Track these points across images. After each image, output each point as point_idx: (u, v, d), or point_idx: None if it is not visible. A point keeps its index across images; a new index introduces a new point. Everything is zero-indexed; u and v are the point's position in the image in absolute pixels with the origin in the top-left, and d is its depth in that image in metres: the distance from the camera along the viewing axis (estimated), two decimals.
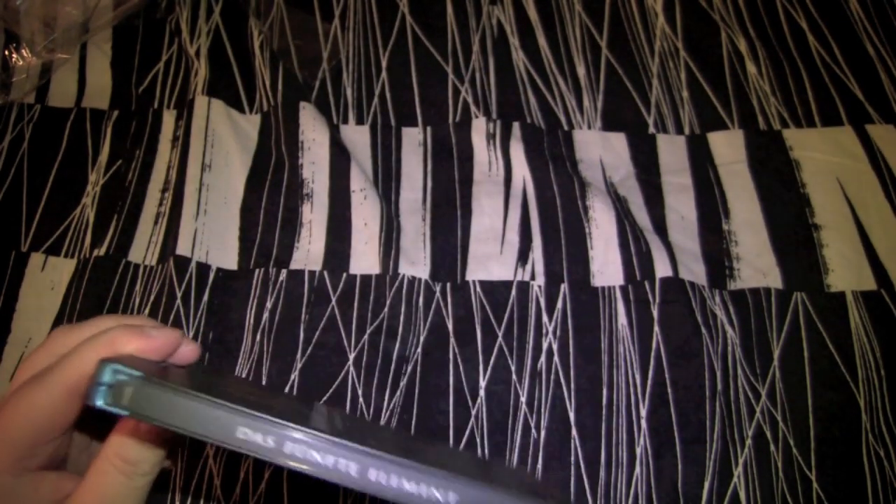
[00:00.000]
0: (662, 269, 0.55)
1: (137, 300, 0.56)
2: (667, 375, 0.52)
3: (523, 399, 0.52)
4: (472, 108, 0.65)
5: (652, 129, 0.64)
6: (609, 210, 0.59)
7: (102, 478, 0.27)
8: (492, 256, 0.58)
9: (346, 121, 0.66)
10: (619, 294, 0.55)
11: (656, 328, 0.54)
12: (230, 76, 0.67)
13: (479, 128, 0.64)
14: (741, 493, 0.48)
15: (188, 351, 0.32)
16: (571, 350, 0.53)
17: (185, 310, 0.54)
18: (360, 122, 0.66)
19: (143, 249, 0.59)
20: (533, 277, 0.56)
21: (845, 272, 0.57)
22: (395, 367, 0.53)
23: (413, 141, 0.64)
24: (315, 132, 0.62)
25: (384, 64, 0.69)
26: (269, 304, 0.56)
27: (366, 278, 0.56)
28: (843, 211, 0.59)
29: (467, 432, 0.51)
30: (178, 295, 0.55)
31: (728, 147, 0.63)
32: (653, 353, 0.53)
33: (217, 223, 0.59)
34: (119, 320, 0.31)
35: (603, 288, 0.56)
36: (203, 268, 0.56)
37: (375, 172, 0.63)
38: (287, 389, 0.52)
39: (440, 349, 0.54)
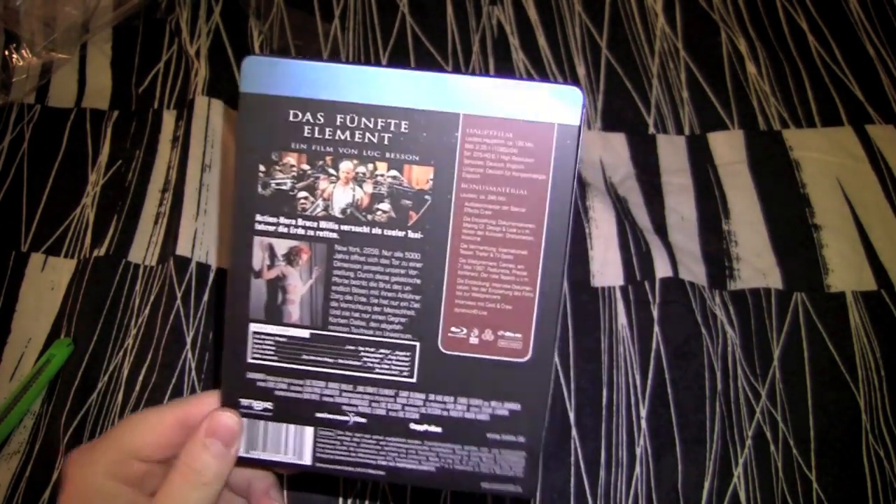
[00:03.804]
0: (662, 269, 0.55)
1: (137, 300, 0.56)
2: (667, 375, 0.52)
3: None
4: None
5: (652, 130, 0.64)
6: (609, 210, 0.59)
7: (169, 486, 0.30)
8: None
9: None
10: (619, 294, 0.55)
11: (656, 328, 0.54)
12: (230, 76, 0.67)
13: None
14: (741, 493, 0.48)
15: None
16: (571, 350, 0.53)
17: (185, 310, 0.54)
18: None
19: (143, 249, 0.59)
20: None
21: (845, 272, 0.57)
22: None
23: None
24: None
25: (384, 64, 0.69)
26: None
27: None
28: (843, 211, 0.59)
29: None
30: (178, 295, 0.55)
31: (728, 147, 0.63)
32: (653, 354, 0.53)
33: (217, 223, 0.59)
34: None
35: (603, 288, 0.56)
36: (203, 268, 0.56)
37: None
38: None
39: None
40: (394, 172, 0.29)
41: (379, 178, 0.29)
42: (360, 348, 0.31)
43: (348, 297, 0.31)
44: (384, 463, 0.32)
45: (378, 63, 0.31)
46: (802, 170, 0.62)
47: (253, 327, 0.31)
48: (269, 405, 0.32)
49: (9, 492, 0.50)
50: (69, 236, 0.61)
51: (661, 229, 0.59)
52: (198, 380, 0.52)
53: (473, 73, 0.28)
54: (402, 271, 0.30)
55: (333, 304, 0.31)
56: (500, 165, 0.29)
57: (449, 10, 0.71)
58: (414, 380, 0.31)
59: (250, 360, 0.31)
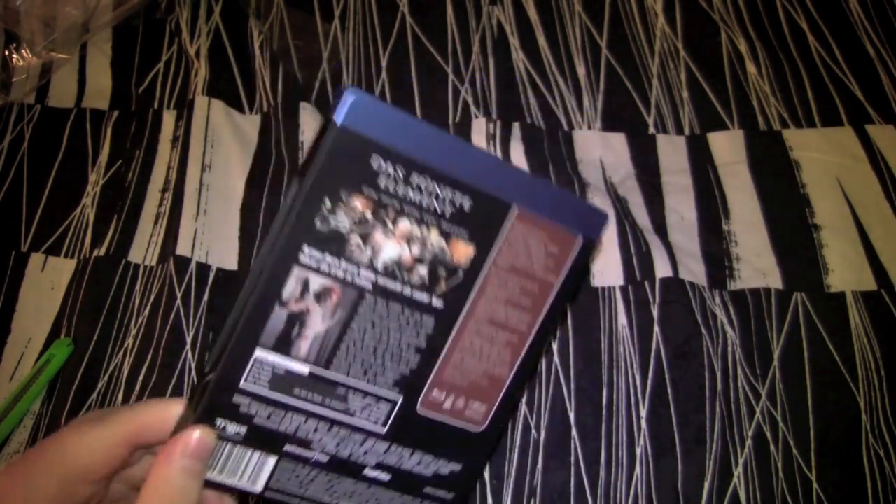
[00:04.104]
0: (662, 269, 0.55)
1: (137, 300, 0.56)
2: (667, 375, 0.52)
3: (523, 399, 0.52)
4: (472, 109, 0.65)
5: (652, 130, 0.64)
6: (609, 210, 0.59)
7: (164, 475, 0.28)
8: None
9: None
10: (619, 294, 0.55)
11: (656, 328, 0.54)
12: (230, 76, 0.67)
13: (480, 128, 0.64)
14: (741, 493, 0.48)
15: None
16: (571, 350, 0.53)
17: (185, 310, 0.54)
18: None
19: (143, 249, 0.59)
20: None
21: (845, 272, 0.57)
22: None
23: None
24: (315, 132, 0.62)
25: (384, 64, 0.69)
26: None
27: None
28: (843, 211, 0.59)
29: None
30: (178, 295, 0.55)
31: (728, 147, 0.63)
32: (653, 354, 0.53)
33: (217, 223, 0.59)
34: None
35: (603, 288, 0.56)
36: (203, 268, 0.56)
37: None
38: None
39: None
40: (442, 242, 0.30)
41: (427, 244, 0.30)
42: (350, 394, 0.32)
43: (358, 345, 0.31)
44: (328, 501, 0.33)
45: (459, 136, 0.32)
46: (802, 170, 0.62)
47: (258, 353, 0.30)
48: (242, 430, 0.31)
49: None
50: (69, 236, 0.61)
51: (661, 229, 0.59)
52: (198, 380, 0.52)
53: (531, 173, 0.31)
54: (414, 333, 0.31)
55: (342, 347, 0.31)
56: (527, 259, 0.32)
57: (449, 10, 0.71)
58: (385, 430, 0.33)
59: (242, 385, 0.30)
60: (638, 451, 0.50)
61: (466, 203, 0.30)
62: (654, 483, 0.49)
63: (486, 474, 0.50)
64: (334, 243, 0.29)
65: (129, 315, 0.56)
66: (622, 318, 0.54)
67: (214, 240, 0.58)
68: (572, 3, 0.72)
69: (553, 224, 0.31)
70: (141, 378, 0.52)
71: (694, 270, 0.57)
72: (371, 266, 0.30)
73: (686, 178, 0.62)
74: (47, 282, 0.58)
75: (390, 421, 0.32)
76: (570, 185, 0.60)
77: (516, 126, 0.64)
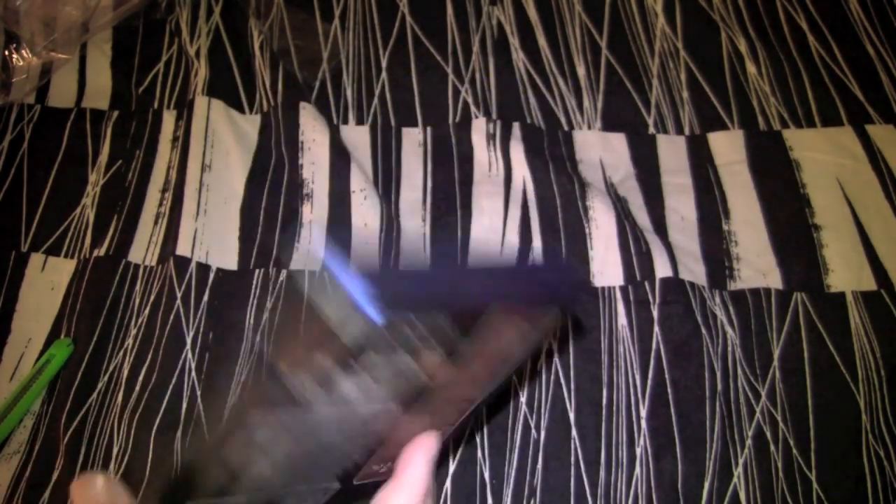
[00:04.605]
0: (662, 269, 0.55)
1: (137, 300, 0.56)
2: (667, 375, 0.52)
3: (523, 399, 0.52)
4: (472, 109, 0.65)
5: (652, 130, 0.64)
6: (609, 210, 0.59)
7: None
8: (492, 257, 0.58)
9: (346, 121, 0.66)
10: (619, 294, 0.55)
11: (656, 328, 0.54)
12: (230, 76, 0.67)
13: (479, 128, 0.64)
14: (741, 493, 0.48)
15: None
16: (571, 350, 0.53)
17: (185, 310, 0.54)
18: (360, 122, 0.66)
19: (143, 249, 0.59)
20: None
21: (845, 272, 0.57)
22: None
23: (413, 141, 0.64)
24: (315, 132, 0.62)
25: (384, 64, 0.69)
26: (268, 305, 0.56)
27: None
28: (843, 211, 0.59)
29: (467, 432, 0.51)
30: (178, 295, 0.55)
31: (728, 147, 0.63)
32: (653, 353, 0.53)
33: (217, 223, 0.59)
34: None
35: (603, 288, 0.56)
36: (203, 268, 0.56)
37: (375, 173, 0.63)
38: None
39: None
40: (408, 359, 0.27)
41: (391, 366, 0.27)
42: (287, 497, 0.29)
43: (297, 458, 0.28)
44: None
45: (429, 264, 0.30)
46: (802, 170, 0.62)
47: None
48: None
49: (9, 492, 0.50)
50: (69, 236, 0.61)
51: (661, 229, 0.59)
52: (198, 380, 0.52)
53: (509, 265, 0.28)
54: (362, 434, 0.29)
55: (277, 463, 0.28)
56: (495, 346, 0.29)
57: (449, 10, 0.71)
58: None
59: None
60: (638, 451, 0.50)
61: (438, 322, 0.26)
62: (654, 483, 0.49)
63: (486, 474, 0.50)
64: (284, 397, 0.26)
65: (129, 315, 0.56)
66: (622, 318, 0.54)
67: (214, 240, 0.58)
68: (572, 3, 0.72)
69: (527, 310, 0.29)
70: (141, 378, 0.52)
71: (694, 270, 0.57)
72: (324, 396, 0.26)
73: (686, 178, 0.62)
74: (47, 282, 0.58)
75: (325, 501, 0.31)
76: (570, 185, 0.60)
77: (516, 126, 0.64)
